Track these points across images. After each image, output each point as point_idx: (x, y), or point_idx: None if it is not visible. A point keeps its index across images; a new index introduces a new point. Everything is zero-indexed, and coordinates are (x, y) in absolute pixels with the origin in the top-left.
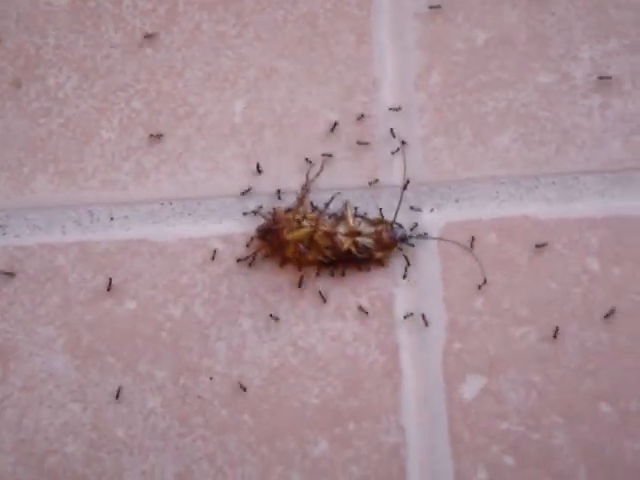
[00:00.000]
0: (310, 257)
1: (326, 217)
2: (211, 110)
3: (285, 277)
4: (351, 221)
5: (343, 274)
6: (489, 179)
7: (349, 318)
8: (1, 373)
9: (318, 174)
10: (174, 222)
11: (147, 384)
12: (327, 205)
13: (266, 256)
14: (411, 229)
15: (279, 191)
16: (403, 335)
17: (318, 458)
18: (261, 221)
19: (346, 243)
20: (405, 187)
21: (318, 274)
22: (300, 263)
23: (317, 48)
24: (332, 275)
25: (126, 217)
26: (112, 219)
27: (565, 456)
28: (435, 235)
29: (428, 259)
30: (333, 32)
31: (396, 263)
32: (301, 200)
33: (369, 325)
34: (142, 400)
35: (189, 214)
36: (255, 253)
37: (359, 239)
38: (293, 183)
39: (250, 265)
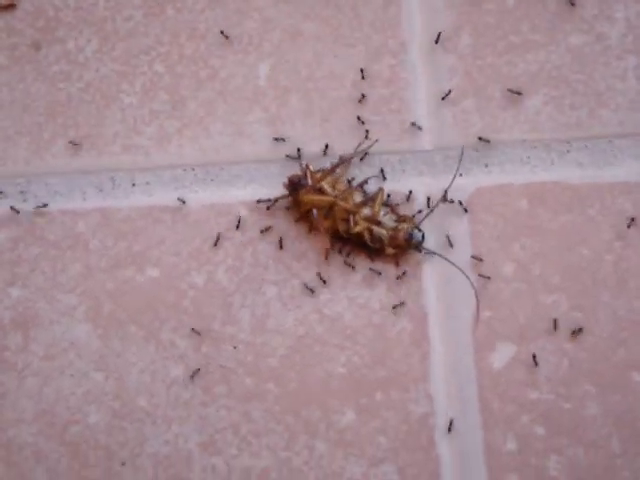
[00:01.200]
0: (324, 225)
1: (357, 192)
2: (234, 73)
3: (310, 244)
4: (377, 208)
5: (348, 255)
6: (519, 143)
7: (376, 286)
8: (22, 341)
9: (366, 150)
10: (197, 188)
11: (170, 352)
12: (361, 184)
13: (287, 208)
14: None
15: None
16: (431, 303)
17: (344, 428)
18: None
19: (360, 226)
20: (446, 198)
21: (331, 247)
22: (312, 227)
23: (344, 9)
24: (339, 253)
25: (148, 183)
26: (134, 185)
27: (597, 426)
28: (465, 199)
29: (457, 224)
30: None
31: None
32: (333, 168)
33: (397, 293)
34: (165, 369)
35: (212, 180)
36: (277, 199)
37: (375, 228)
38: (318, 148)
39: (268, 209)
